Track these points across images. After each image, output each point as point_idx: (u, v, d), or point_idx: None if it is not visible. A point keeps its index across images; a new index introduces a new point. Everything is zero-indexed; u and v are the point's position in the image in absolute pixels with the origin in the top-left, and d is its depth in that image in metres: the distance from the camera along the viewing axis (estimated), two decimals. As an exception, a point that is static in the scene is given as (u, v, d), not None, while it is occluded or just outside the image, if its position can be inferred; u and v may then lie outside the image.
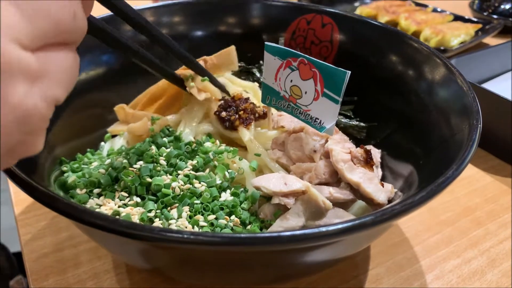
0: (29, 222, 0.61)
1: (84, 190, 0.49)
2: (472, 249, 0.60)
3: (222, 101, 0.58)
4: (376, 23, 0.66)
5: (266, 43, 0.50)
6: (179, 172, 0.50)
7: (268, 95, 0.54)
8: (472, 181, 0.72)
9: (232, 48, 0.64)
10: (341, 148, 0.52)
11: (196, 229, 0.45)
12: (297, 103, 0.51)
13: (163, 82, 0.63)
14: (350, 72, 0.45)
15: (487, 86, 0.89)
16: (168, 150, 0.52)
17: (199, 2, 0.72)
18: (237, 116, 0.56)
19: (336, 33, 0.69)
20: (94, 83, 0.64)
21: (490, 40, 1.18)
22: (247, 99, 0.59)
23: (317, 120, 0.50)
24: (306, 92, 0.49)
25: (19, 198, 0.65)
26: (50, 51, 0.26)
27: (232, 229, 0.46)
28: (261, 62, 0.72)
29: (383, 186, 0.51)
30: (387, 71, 0.64)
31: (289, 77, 0.50)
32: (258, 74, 0.72)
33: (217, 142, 0.56)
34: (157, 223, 0.45)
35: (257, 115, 0.57)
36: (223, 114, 0.57)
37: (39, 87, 0.25)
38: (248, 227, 0.48)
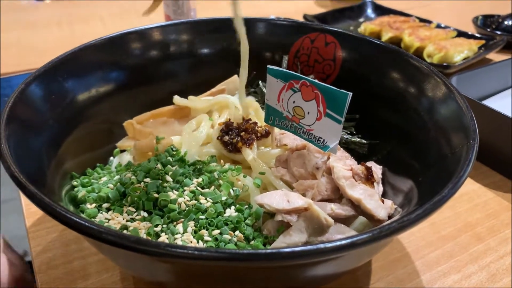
0: (40, 234, 0.63)
1: (94, 205, 0.51)
2: (472, 264, 0.61)
3: (223, 125, 0.60)
4: (377, 42, 0.68)
5: (268, 66, 0.52)
6: (185, 188, 0.52)
7: (271, 115, 0.55)
8: (473, 197, 0.73)
9: (236, 76, 0.72)
10: (343, 165, 0.53)
11: (200, 243, 0.47)
12: (300, 123, 0.53)
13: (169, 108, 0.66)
14: (351, 93, 0.47)
15: (489, 102, 0.90)
16: (174, 168, 0.53)
17: (206, 21, 0.74)
18: (239, 138, 0.58)
19: (339, 51, 0.71)
20: (104, 99, 0.66)
21: (494, 56, 1.19)
22: (248, 120, 0.61)
23: (320, 139, 0.52)
24: (308, 113, 0.51)
25: (31, 211, 0.67)
26: None
27: (236, 244, 0.48)
28: (260, 82, 0.74)
29: (383, 203, 0.52)
30: (388, 89, 0.65)
31: (292, 98, 0.52)
32: (263, 89, 0.74)
33: (222, 162, 0.58)
34: (163, 237, 0.47)
35: (259, 134, 0.59)
36: (226, 138, 0.58)
37: None
38: (252, 242, 0.49)
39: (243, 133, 0.59)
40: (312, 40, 0.73)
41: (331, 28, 0.72)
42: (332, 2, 1.56)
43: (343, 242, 0.34)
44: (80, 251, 0.60)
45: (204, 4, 1.48)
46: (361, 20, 1.36)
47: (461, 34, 1.19)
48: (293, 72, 0.51)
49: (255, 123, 0.62)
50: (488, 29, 1.25)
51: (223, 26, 0.75)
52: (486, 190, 0.74)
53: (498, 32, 1.22)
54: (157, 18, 1.31)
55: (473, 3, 1.70)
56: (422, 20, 1.27)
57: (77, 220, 0.36)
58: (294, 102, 0.52)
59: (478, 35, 1.19)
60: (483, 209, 0.70)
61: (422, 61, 0.62)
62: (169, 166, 0.54)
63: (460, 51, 1.06)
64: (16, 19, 1.34)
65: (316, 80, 0.49)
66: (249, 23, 0.75)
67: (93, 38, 1.22)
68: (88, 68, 0.65)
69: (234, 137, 0.59)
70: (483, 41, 1.14)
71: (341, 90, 0.47)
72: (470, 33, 1.20)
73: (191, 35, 0.74)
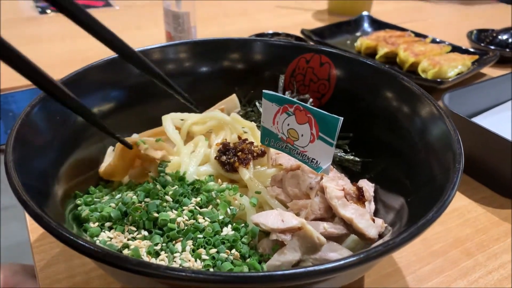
0: (44, 249, 0.65)
1: (97, 224, 0.53)
2: (461, 280, 0.63)
3: (221, 146, 0.63)
4: (370, 62, 0.70)
5: (264, 91, 0.55)
6: (184, 207, 0.54)
7: (266, 137, 0.58)
8: (464, 212, 0.75)
9: (234, 95, 0.74)
10: (335, 185, 0.56)
11: (198, 262, 0.49)
12: (295, 145, 0.55)
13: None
14: (342, 118, 0.49)
15: (481, 118, 0.92)
16: (174, 188, 0.56)
17: (205, 42, 0.77)
18: (235, 158, 0.60)
19: (333, 71, 0.73)
20: (105, 117, 0.68)
21: (487, 70, 1.22)
22: (244, 140, 0.63)
23: (313, 160, 0.54)
24: (302, 135, 0.54)
25: (34, 226, 0.69)
26: None
27: (232, 262, 0.50)
28: (256, 102, 0.76)
29: (374, 222, 0.55)
30: (381, 109, 0.68)
31: (286, 121, 0.54)
32: (259, 108, 0.76)
33: (219, 181, 0.60)
34: (163, 255, 0.49)
35: (255, 154, 0.61)
36: (223, 158, 0.61)
37: None
38: (248, 260, 0.51)
39: (240, 153, 0.62)
40: (307, 60, 0.75)
41: (325, 49, 0.74)
42: (329, 16, 1.59)
43: (330, 265, 0.36)
44: (83, 265, 0.62)
45: (205, 20, 1.51)
46: (358, 34, 1.39)
47: (455, 48, 1.22)
48: (287, 97, 0.54)
49: (251, 143, 0.64)
50: (482, 44, 1.27)
51: (221, 46, 0.77)
52: (476, 206, 0.77)
53: (492, 47, 1.25)
54: (159, 35, 1.35)
55: (469, 18, 1.73)
56: (417, 34, 1.30)
57: (81, 243, 0.38)
58: (288, 124, 0.55)
59: (472, 50, 1.21)
60: (473, 224, 0.73)
61: (413, 83, 0.64)
62: (168, 186, 0.57)
63: (454, 66, 1.08)
64: (19, 33, 1.37)
65: (308, 105, 0.51)
66: (248, 43, 0.78)
67: (95, 53, 1.25)
68: (90, 88, 0.68)
69: (231, 157, 0.62)
70: (476, 56, 1.16)
71: (333, 115, 0.50)
72: (464, 47, 1.22)
73: (190, 55, 0.77)
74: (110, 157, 0.66)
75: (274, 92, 0.54)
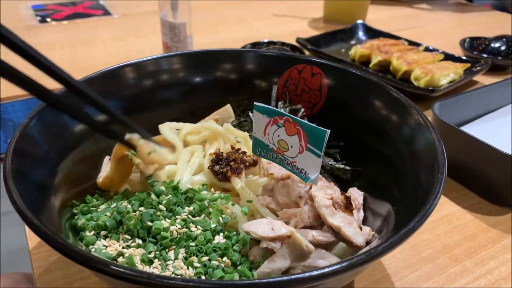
0: (42, 256, 0.67)
1: (92, 232, 0.55)
2: (449, 285, 0.65)
3: (214, 156, 0.64)
4: (359, 73, 0.72)
5: (255, 103, 0.56)
6: (177, 216, 0.56)
7: (258, 147, 0.60)
8: (453, 219, 0.76)
9: (228, 106, 0.76)
10: (324, 194, 0.57)
11: (190, 269, 0.50)
12: (285, 155, 0.57)
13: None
14: (329, 131, 0.51)
15: (470, 126, 0.94)
16: (167, 197, 0.58)
17: (198, 53, 0.79)
18: (228, 168, 0.62)
19: (324, 82, 0.75)
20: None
21: (480, 78, 1.24)
22: (237, 149, 0.65)
23: (302, 170, 0.56)
24: (292, 146, 0.55)
25: (32, 234, 0.70)
26: None
27: (223, 270, 0.51)
28: (249, 112, 0.78)
29: (361, 230, 0.56)
30: (370, 118, 0.70)
31: (276, 132, 0.56)
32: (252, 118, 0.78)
33: (212, 190, 0.62)
34: (156, 263, 0.51)
35: (247, 164, 0.63)
36: (216, 168, 0.63)
37: None
38: (239, 267, 0.53)
39: (232, 162, 0.63)
40: (299, 71, 0.77)
41: (317, 60, 0.76)
42: (325, 24, 1.61)
43: (314, 273, 0.38)
44: (80, 272, 0.64)
45: (201, 29, 1.53)
46: (352, 42, 1.41)
47: (448, 57, 1.24)
48: (277, 110, 0.56)
49: (244, 153, 0.66)
50: (475, 52, 1.29)
51: (215, 57, 0.79)
52: (465, 213, 0.78)
53: (484, 55, 1.27)
54: (156, 43, 1.37)
55: (464, 25, 1.75)
56: (411, 43, 1.32)
57: (77, 252, 0.40)
58: (278, 136, 0.57)
59: (464, 58, 1.23)
60: (462, 231, 0.74)
61: (400, 94, 0.66)
62: (163, 195, 0.58)
63: (446, 75, 1.10)
64: (20, 42, 1.39)
65: (297, 118, 0.53)
66: (241, 54, 0.80)
67: (94, 62, 1.28)
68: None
69: (224, 166, 0.63)
70: (468, 64, 1.18)
71: (320, 127, 0.52)
72: (456, 55, 1.24)
73: (184, 66, 0.79)
74: (107, 166, 0.68)
75: (264, 105, 0.56)
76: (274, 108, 0.56)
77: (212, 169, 0.64)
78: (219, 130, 0.70)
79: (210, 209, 0.58)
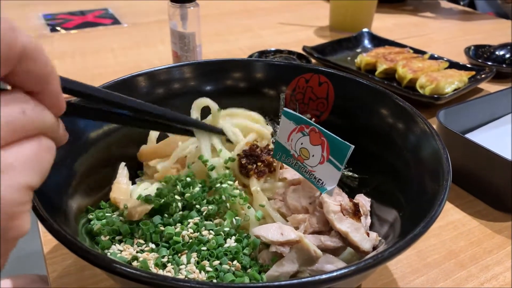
0: (56, 260, 0.69)
1: (108, 237, 0.57)
2: (455, 291, 0.66)
3: (248, 147, 0.66)
4: (365, 82, 0.74)
5: (284, 109, 0.59)
6: (190, 220, 0.58)
7: (279, 151, 0.62)
8: (458, 225, 0.78)
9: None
10: (333, 200, 0.59)
11: (203, 273, 0.52)
12: (304, 163, 0.59)
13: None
14: (353, 146, 0.53)
15: (476, 133, 0.96)
16: (192, 191, 0.60)
17: (209, 62, 0.81)
18: (254, 166, 0.63)
19: (331, 91, 0.77)
20: (114, 134, 0.72)
21: (485, 86, 1.25)
22: (270, 150, 0.66)
23: (320, 181, 0.58)
24: (313, 155, 0.57)
25: (47, 238, 0.73)
26: (12, 147, 0.31)
27: (234, 273, 0.53)
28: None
29: (368, 235, 0.58)
30: (376, 127, 0.71)
31: (300, 140, 0.58)
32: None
33: (236, 183, 0.63)
34: (169, 267, 0.53)
35: (272, 169, 0.65)
36: (243, 160, 0.64)
37: (6, 178, 0.30)
38: (248, 271, 0.55)
39: (260, 163, 0.65)
40: (307, 80, 0.79)
41: (324, 69, 0.78)
42: (331, 33, 1.64)
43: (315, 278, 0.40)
44: (94, 276, 0.66)
45: (210, 38, 1.56)
46: (358, 50, 1.43)
47: (452, 65, 1.25)
48: (306, 118, 0.57)
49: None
50: (480, 60, 1.31)
51: (225, 66, 0.81)
52: (471, 219, 0.79)
53: (489, 63, 1.28)
54: (165, 52, 1.40)
55: (469, 33, 1.76)
56: (416, 51, 1.33)
57: (97, 257, 0.42)
58: (302, 144, 0.59)
59: (469, 66, 1.25)
60: (467, 237, 0.75)
61: (406, 102, 0.68)
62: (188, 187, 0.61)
63: (451, 83, 1.12)
64: (32, 51, 1.42)
65: (324, 129, 0.55)
66: (251, 64, 0.82)
67: (104, 70, 1.30)
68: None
69: (251, 163, 0.65)
70: (473, 72, 1.20)
71: (346, 142, 0.53)
72: (461, 63, 1.26)
73: (194, 75, 0.81)
74: (123, 171, 0.70)
75: (293, 112, 0.58)
76: (302, 116, 0.58)
77: (240, 160, 0.65)
78: (264, 133, 0.71)
79: (227, 204, 0.60)
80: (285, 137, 0.61)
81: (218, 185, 0.61)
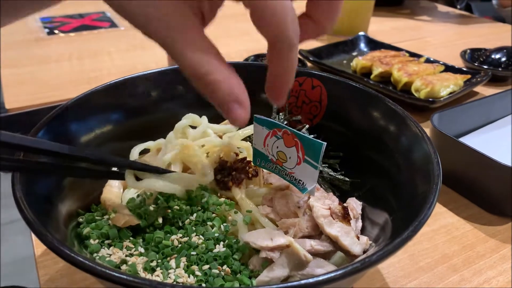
0: (47, 264, 0.69)
1: (97, 241, 0.57)
2: (447, 295, 0.66)
3: (218, 164, 0.66)
4: (358, 86, 0.74)
5: (255, 116, 0.58)
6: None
7: (258, 158, 0.62)
8: (452, 229, 0.77)
9: None
10: (321, 204, 0.59)
11: (192, 277, 0.52)
12: (283, 166, 0.59)
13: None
14: (325, 143, 0.53)
15: (470, 137, 0.95)
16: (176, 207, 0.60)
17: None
18: (230, 177, 0.63)
19: (324, 94, 0.77)
20: (105, 139, 0.72)
21: (480, 89, 1.25)
22: (242, 159, 0.67)
23: (300, 181, 0.57)
24: (290, 157, 0.57)
25: (39, 241, 0.72)
26: None
27: (223, 278, 0.53)
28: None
29: (358, 239, 0.58)
30: (368, 130, 0.71)
31: (275, 144, 0.58)
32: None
33: (219, 194, 0.64)
34: (158, 271, 0.52)
35: (250, 175, 0.65)
36: (218, 176, 0.64)
37: None
38: (238, 275, 0.54)
39: (234, 172, 0.65)
40: (300, 83, 0.79)
41: (317, 73, 0.78)
42: (328, 36, 1.63)
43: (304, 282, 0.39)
44: (85, 280, 0.65)
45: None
46: (354, 53, 1.43)
47: (448, 68, 1.25)
48: (276, 122, 0.57)
49: (249, 162, 0.67)
50: (475, 63, 1.31)
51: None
52: (464, 223, 0.79)
53: (485, 66, 1.28)
54: (162, 55, 1.39)
55: (466, 36, 1.76)
56: (412, 54, 1.33)
57: (82, 262, 0.41)
58: (277, 147, 0.58)
59: (464, 69, 1.25)
60: (460, 241, 0.75)
61: (398, 105, 0.68)
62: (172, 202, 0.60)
63: (446, 86, 1.12)
64: (28, 54, 1.42)
65: (295, 130, 0.55)
66: (243, 67, 0.82)
67: (100, 72, 1.30)
68: (92, 111, 0.71)
69: (226, 175, 0.65)
70: (469, 76, 1.20)
71: (317, 140, 0.53)
72: (457, 67, 1.26)
73: (180, 79, 0.80)
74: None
75: (264, 117, 0.58)
76: (273, 120, 0.58)
77: (215, 177, 0.65)
78: (221, 144, 0.71)
79: (214, 215, 0.60)
80: (261, 143, 0.60)
81: (204, 199, 0.62)
